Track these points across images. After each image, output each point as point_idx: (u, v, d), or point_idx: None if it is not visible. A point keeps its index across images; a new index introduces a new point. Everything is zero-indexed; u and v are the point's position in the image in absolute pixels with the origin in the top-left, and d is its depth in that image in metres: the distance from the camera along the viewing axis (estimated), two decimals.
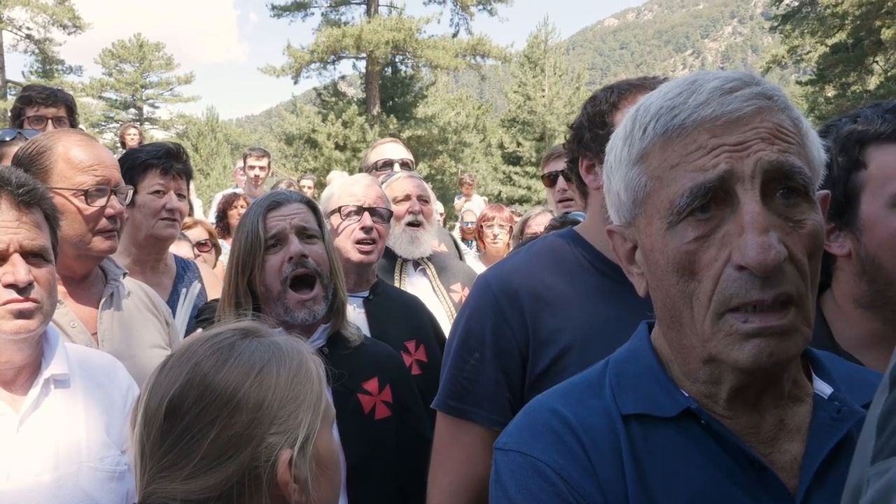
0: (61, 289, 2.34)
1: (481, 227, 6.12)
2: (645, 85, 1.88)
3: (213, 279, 3.39)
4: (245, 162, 7.87)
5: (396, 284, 3.38)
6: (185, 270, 3.28)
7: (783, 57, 33.57)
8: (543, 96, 36.63)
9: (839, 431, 1.06)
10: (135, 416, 1.31)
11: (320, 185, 7.99)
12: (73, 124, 4.45)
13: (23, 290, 1.73)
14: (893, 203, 1.57)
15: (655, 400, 1.11)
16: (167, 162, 3.04)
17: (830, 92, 32.91)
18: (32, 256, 1.78)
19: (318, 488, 1.31)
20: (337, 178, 8.09)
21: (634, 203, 1.11)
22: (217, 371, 1.26)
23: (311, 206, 2.36)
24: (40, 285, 1.78)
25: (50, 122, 4.18)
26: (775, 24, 34.63)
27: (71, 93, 4.90)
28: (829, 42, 31.63)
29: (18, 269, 1.73)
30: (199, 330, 2.84)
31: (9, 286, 1.72)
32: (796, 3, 33.35)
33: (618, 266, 1.84)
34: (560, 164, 3.78)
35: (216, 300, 3.14)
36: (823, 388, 1.13)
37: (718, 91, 1.02)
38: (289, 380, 1.30)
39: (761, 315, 0.98)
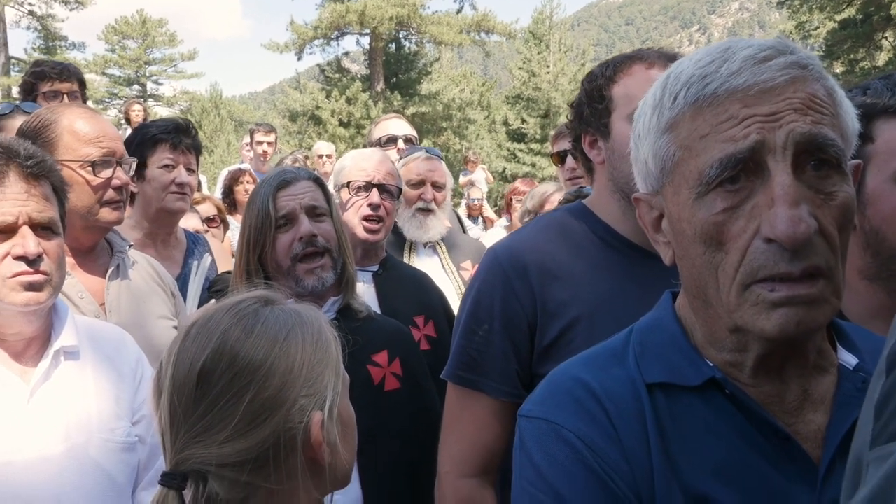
0: (69, 260, 2.33)
1: (511, 199, 6.22)
2: (640, 56, 1.89)
3: (222, 252, 3.43)
4: (252, 138, 7.84)
5: (405, 262, 3.37)
6: (195, 244, 3.31)
7: (791, 33, 33.26)
8: (548, 73, 36.39)
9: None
10: (159, 384, 1.32)
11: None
12: (84, 98, 4.46)
13: (32, 262, 1.73)
14: None
15: (680, 369, 1.10)
16: (176, 137, 3.07)
17: (839, 68, 32.64)
18: (41, 229, 1.78)
19: (343, 450, 1.35)
20: (324, 148, 8.09)
21: (662, 172, 1.09)
22: (246, 337, 1.28)
23: (319, 182, 2.39)
24: (49, 257, 1.78)
25: (65, 96, 4.19)
26: None
27: None
28: (838, 18, 31.36)
29: (28, 242, 1.72)
30: (213, 301, 2.86)
31: (18, 258, 1.72)
32: None
33: (626, 239, 1.89)
34: (568, 143, 3.76)
35: (228, 272, 3.17)
36: (848, 359, 1.12)
37: (752, 60, 0.99)
38: (313, 344, 1.33)
39: (789, 284, 0.97)
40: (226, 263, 3.38)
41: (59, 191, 1.87)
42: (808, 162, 0.98)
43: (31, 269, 1.73)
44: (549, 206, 4.51)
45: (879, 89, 1.62)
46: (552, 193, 4.62)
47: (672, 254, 1.13)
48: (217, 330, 1.30)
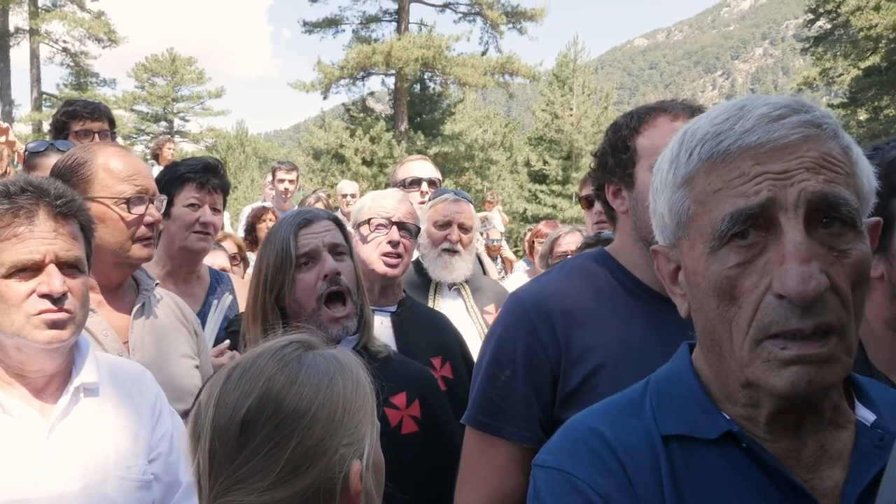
0: (96, 297, 2.38)
1: (533, 241, 6.19)
2: (664, 108, 1.91)
3: (244, 291, 3.42)
4: (274, 175, 7.94)
5: (430, 304, 3.39)
6: (218, 282, 3.32)
7: (814, 79, 33.32)
8: (571, 115, 36.59)
9: (881, 459, 1.05)
10: (197, 426, 1.31)
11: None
12: (114, 137, 4.55)
13: (57, 300, 1.75)
14: None
15: (696, 421, 1.10)
16: (204, 176, 3.09)
17: (862, 115, 32.56)
18: (67, 267, 1.80)
19: (375, 499, 1.35)
20: (348, 188, 8.16)
21: (678, 225, 1.11)
22: (291, 385, 1.28)
23: (339, 223, 2.38)
24: (74, 296, 1.80)
25: (96, 135, 4.28)
26: (807, 46, 34.44)
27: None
28: (862, 65, 31.36)
29: (54, 280, 1.75)
30: (227, 342, 2.88)
31: (43, 296, 1.74)
32: (829, 26, 33.14)
33: (648, 287, 1.90)
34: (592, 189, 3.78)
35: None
36: (866, 415, 1.11)
37: (766, 118, 1.01)
38: (353, 392, 1.33)
39: (800, 343, 0.97)
40: None
41: (87, 230, 1.90)
42: (820, 220, 0.99)
43: (55, 308, 1.75)
44: (557, 249, 4.52)
45: None
46: (563, 236, 4.63)
47: (688, 306, 1.14)
48: (262, 376, 1.30)
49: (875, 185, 1.07)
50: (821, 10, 33.35)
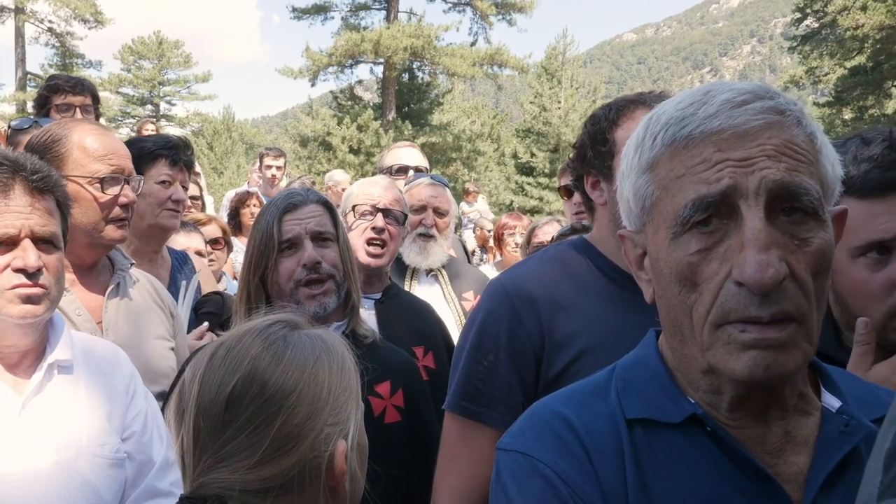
0: (69, 276, 2.34)
1: (501, 234, 6.14)
2: (642, 100, 1.92)
3: (206, 272, 3.39)
4: (262, 161, 7.87)
5: (406, 289, 3.35)
6: (182, 262, 3.27)
7: (801, 78, 33.56)
8: (559, 108, 36.66)
9: (846, 445, 1.05)
10: (181, 404, 1.31)
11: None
12: (97, 114, 4.48)
13: (32, 275, 1.74)
14: (853, 255, 1.62)
15: (661, 405, 1.10)
16: (175, 153, 3.04)
17: (847, 115, 32.84)
18: (43, 242, 1.79)
19: (360, 478, 1.36)
20: (339, 176, 8.11)
21: (643, 210, 1.11)
22: (276, 364, 1.28)
23: (328, 206, 2.35)
24: (49, 271, 1.79)
25: (77, 109, 4.22)
26: (794, 44, 34.68)
27: None
28: (848, 64, 31.63)
29: (28, 255, 1.74)
30: (206, 324, 2.84)
31: (18, 271, 1.73)
32: (816, 25, 33.38)
33: (628, 274, 1.87)
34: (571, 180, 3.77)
35: (214, 292, 3.14)
36: (832, 402, 1.11)
37: (729, 104, 1.01)
38: (338, 372, 1.33)
39: (759, 327, 0.97)
40: (210, 284, 3.36)
41: (63, 206, 1.88)
42: (782, 208, 0.99)
43: (29, 282, 1.74)
44: (535, 240, 4.53)
45: (856, 156, 1.63)
46: (541, 226, 4.64)
47: (653, 291, 1.14)
48: (247, 355, 1.29)
49: (841, 174, 1.07)
50: (808, 9, 33.59)
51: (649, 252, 1.12)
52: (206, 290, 3.24)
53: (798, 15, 34.67)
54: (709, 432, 1.06)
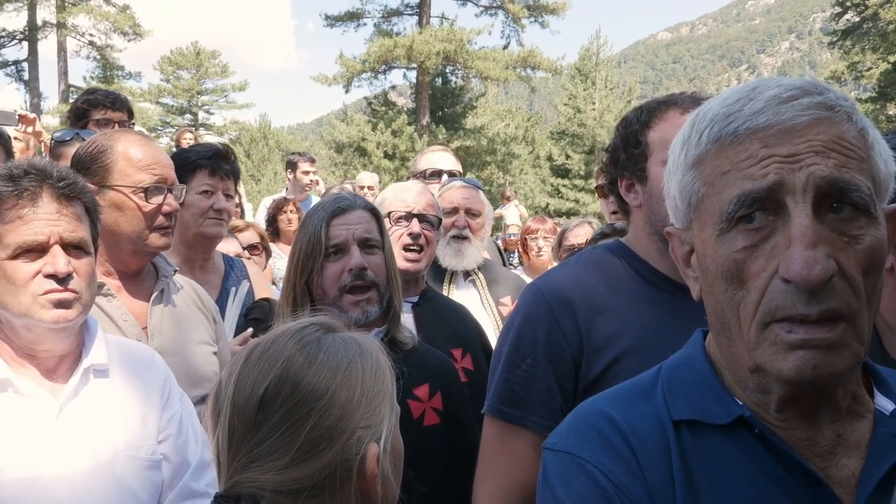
0: (115, 282, 2.41)
1: (525, 239, 6.08)
2: (674, 101, 1.91)
3: (260, 278, 3.44)
4: (296, 168, 7.93)
5: (445, 294, 3.36)
6: (231, 268, 3.33)
7: (842, 73, 32.91)
8: (594, 109, 36.44)
9: None
10: (217, 404, 1.33)
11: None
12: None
13: (62, 280, 1.78)
14: None
15: (708, 407, 1.09)
16: (216, 162, 3.09)
17: (892, 110, 32.09)
18: (72, 248, 1.83)
19: (393, 482, 1.36)
20: (367, 179, 8.16)
21: (689, 207, 1.10)
22: (309, 365, 1.29)
23: (375, 213, 2.37)
24: (79, 276, 1.83)
25: (116, 125, 4.31)
26: (834, 39, 34.03)
27: (130, 98, 5.06)
28: (892, 59, 30.89)
29: (58, 260, 1.78)
30: (250, 329, 2.88)
31: (49, 276, 1.77)
32: (857, 19, 32.71)
33: (666, 276, 1.90)
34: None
35: (265, 299, 3.18)
36: (885, 405, 1.09)
37: (776, 100, 1.00)
38: (372, 375, 1.33)
39: (807, 327, 0.95)
40: (263, 290, 3.39)
41: (92, 212, 1.93)
42: (830, 204, 0.97)
43: (60, 287, 1.78)
44: (566, 243, 4.50)
45: None
46: (572, 228, 4.62)
47: (700, 289, 1.13)
48: (280, 356, 1.30)
49: (894, 170, 1.05)
50: (849, 3, 32.94)
51: (696, 249, 1.11)
52: (259, 295, 3.28)
53: (838, 9, 34.04)
54: (757, 435, 1.04)
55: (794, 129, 0.98)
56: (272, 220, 6.49)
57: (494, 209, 12.34)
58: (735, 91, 1.06)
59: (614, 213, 3.92)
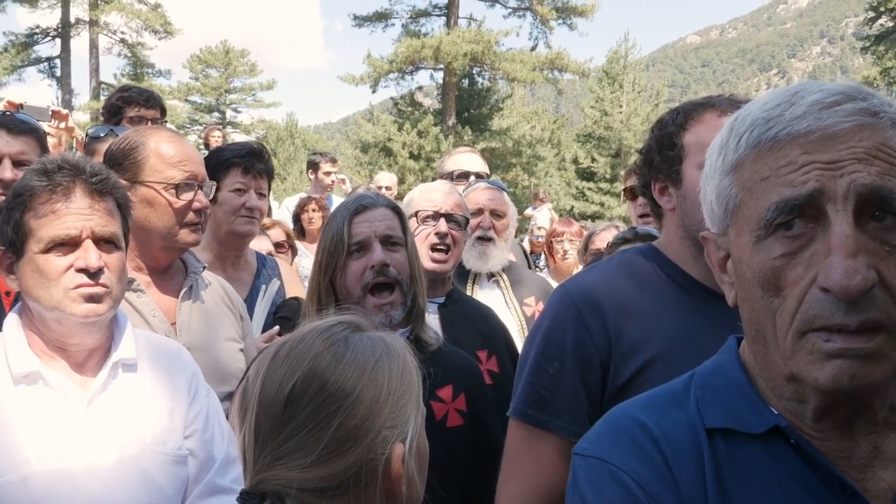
0: (144, 278, 2.43)
1: (551, 242, 6.06)
2: (711, 104, 1.88)
3: (291, 276, 3.47)
4: (318, 168, 7.94)
5: (468, 294, 3.35)
6: (263, 266, 3.35)
7: (875, 79, 32.42)
8: (621, 112, 36.23)
9: None
10: (244, 401, 1.33)
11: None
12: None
13: (93, 274, 1.80)
14: None
15: (742, 415, 1.07)
16: (249, 161, 3.12)
17: None
18: (104, 243, 1.85)
19: (418, 483, 1.35)
20: (384, 179, 8.18)
21: (726, 213, 1.09)
22: (337, 364, 1.29)
23: (398, 211, 2.37)
24: (111, 271, 1.84)
25: (149, 123, 4.36)
26: (867, 44, 33.55)
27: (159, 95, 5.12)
28: None
29: (90, 255, 1.80)
30: (277, 327, 2.90)
31: (80, 271, 1.79)
32: (891, 23, 32.21)
33: (698, 281, 1.87)
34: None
35: (293, 298, 3.20)
36: None
37: (818, 105, 0.98)
38: (398, 375, 1.33)
39: (845, 336, 0.94)
40: (294, 288, 3.41)
41: (123, 207, 1.95)
42: (872, 213, 0.95)
43: (91, 282, 1.80)
44: (592, 246, 4.48)
45: None
46: (598, 232, 4.59)
47: (735, 295, 1.11)
48: (308, 354, 1.30)
49: None
50: (882, 7, 32.45)
51: (732, 255, 1.09)
52: (290, 293, 3.30)
53: (871, 14, 33.55)
54: (792, 445, 1.03)
55: (836, 136, 0.96)
56: (297, 219, 6.53)
57: (526, 209, 12.30)
58: (776, 95, 1.04)
59: (642, 216, 3.89)
